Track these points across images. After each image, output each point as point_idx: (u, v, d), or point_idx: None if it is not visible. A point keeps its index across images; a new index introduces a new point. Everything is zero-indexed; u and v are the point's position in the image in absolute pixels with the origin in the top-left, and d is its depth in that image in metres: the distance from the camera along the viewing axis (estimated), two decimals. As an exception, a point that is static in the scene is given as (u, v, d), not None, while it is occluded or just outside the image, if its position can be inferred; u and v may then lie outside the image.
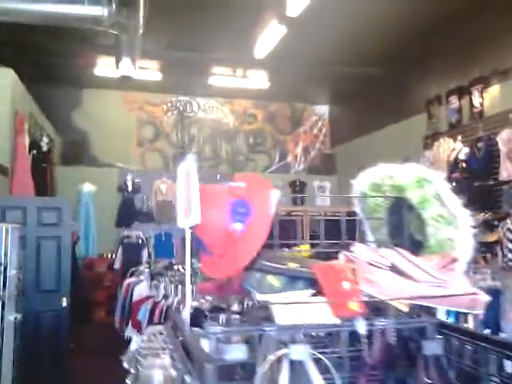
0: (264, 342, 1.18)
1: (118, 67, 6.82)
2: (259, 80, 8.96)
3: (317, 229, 7.36)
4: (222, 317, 2.16)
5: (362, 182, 1.61)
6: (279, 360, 1.21)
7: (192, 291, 3.26)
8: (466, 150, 5.75)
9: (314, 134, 10.72)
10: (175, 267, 4.88)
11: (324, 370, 1.23)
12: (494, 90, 5.87)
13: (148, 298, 4.31)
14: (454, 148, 5.97)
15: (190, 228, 1.44)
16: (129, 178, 8.86)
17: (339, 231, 1.76)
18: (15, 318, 3.42)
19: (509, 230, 4.50)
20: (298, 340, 1.22)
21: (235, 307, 2.19)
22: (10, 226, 3.47)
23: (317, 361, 1.23)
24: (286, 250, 1.78)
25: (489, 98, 5.94)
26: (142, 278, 5.13)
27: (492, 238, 4.50)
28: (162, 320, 3.60)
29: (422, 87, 7.22)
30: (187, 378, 1.12)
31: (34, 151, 6.54)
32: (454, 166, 5.78)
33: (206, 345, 1.30)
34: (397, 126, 7.73)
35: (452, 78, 6.53)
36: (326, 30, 6.64)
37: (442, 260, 1.26)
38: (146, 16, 4.88)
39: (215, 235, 1.36)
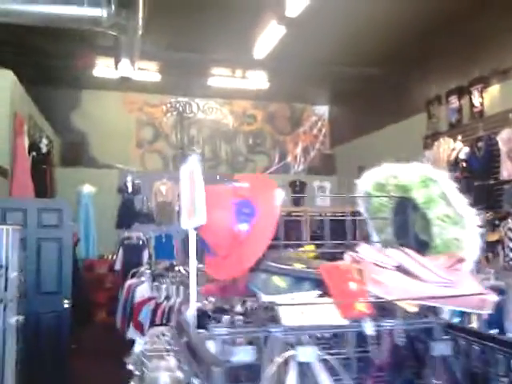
0: (270, 344, 1.17)
1: (117, 68, 6.81)
2: (258, 80, 8.96)
3: (317, 229, 7.36)
4: (226, 318, 2.15)
5: (366, 182, 1.60)
6: (285, 362, 1.20)
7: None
8: (467, 149, 5.76)
9: (313, 135, 10.71)
10: (176, 268, 4.88)
11: (330, 372, 1.23)
12: (494, 89, 5.88)
13: (150, 299, 4.30)
14: (454, 148, 5.97)
15: (195, 229, 1.43)
16: (129, 179, 8.85)
17: (341, 231, 1.76)
18: (17, 320, 3.41)
19: (510, 229, 4.50)
20: (304, 341, 1.21)
21: (238, 308, 2.19)
22: (11, 227, 3.46)
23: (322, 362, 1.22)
24: (291, 250, 1.77)
25: (489, 97, 5.94)
26: (143, 279, 5.13)
27: (493, 237, 4.50)
28: (164, 321, 3.59)
29: (422, 87, 7.22)
30: (194, 381, 1.11)
31: (34, 153, 6.53)
32: (454, 165, 5.78)
33: (211, 346, 1.29)
34: (396, 126, 7.73)
35: (452, 77, 6.53)
36: (326, 31, 6.64)
37: (448, 260, 1.25)
38: (145, 17, 4.88)
39: (220, 236, 1.36)
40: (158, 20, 5.82)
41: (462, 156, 5.75)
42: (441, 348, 1.12)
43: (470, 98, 6.12)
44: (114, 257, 8.14)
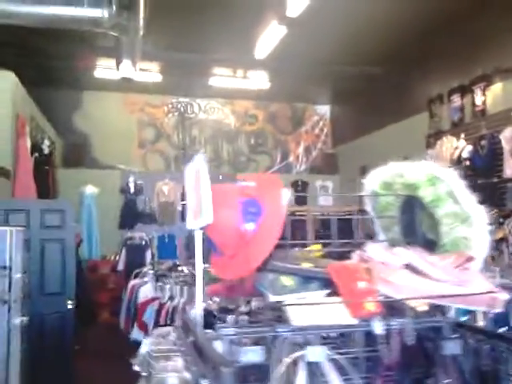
0: (279, 344, 1.17)
1: (118, 69, 6.80)
2: (260, 80, 8.95)
3: (320, 228, 7.35)
4: (230, 318, 2.15)
5: (372, 181, 1.59)
6: (293, 362, 1.20)
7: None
8: (470, 148, 5.75)
9: (315, 134, 10.70)
10: (179, 268, 4.88)
11: (338, 372, 1.22)
12: (497, 88, 5.86)
13: (153, 299, 4.29)
14: (457, 146, 5.96)
15: (201, 229, 1.42)
16: (131, 179, 8.86)
17: (345, 230, 1.75)
18: (21, 321, 3.41)
19: (514, 227, 4.49)
20: (311, 341, 1.21)
21: (243, 308, 2.18)
22: (15, 229, 3.46)
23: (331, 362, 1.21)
24: (296, 249, 1.76)
25: (491, 96, 5.93)
26: (146, 279, 5.12)
27: (497, 235, 4.49)
28: (169, 321, 3.59)
29: (424, 86, 7.21)
30: (202, 382, 1.11)
31: (36, 154, 6.54)
32: (457, 164, 5.76)
33: (218, 346, 1.29)
34: (398, 125, 7.72)
35: (454, 76, 6.52)
36: (327, 30, 6.63)
37: (457, 259, 1.25)
38: (146, 18, 4.87)
39: (226, 235, 1.35)
40: (159, 20, 5.81)
41: (465, 154, 5.74)
42: (451, 347, 1.12)
43: (473, 97, 6.11)
44: (117, 257, 8.14)
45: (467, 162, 5.68)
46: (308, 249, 1.66)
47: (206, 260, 1.56)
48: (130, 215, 8.66)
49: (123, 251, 7.95)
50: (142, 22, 4.89)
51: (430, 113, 6.96)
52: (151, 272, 5.17)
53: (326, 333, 1.32)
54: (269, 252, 1.30)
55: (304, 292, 1.24)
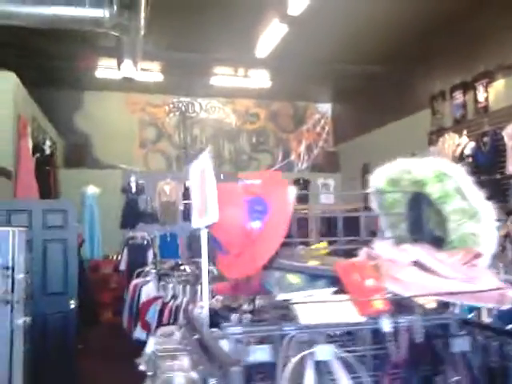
0: (286, 342, 1.16)
1: (119, 69, 6.79)
2: (261, 79, 8.94)
3: (322, 226, 7.33)
4: (234, 316, 2.14)
5: (378, 178, 1.58)
6: (300, 360, 1.19)
7: (201, 292, 3.24)
8: (472, 144, 5.73)
9: (316, 132, 10.69)
10: (182, 267, 4.88)
11: (346, 370, 1.21)
12: (499, 84, 5.84)
13: (156, 298, 4.29)
14: (459, 143, 5.94)
15: (206, 227, 1.42)
16: (132, 179, 8.86)
17: (348, 228, 1.74)
18: (24, 322, 3.41)
19: (517, 224, 4.47)
20: (318, 339, 1.20)
21: (246, 306, 2.17)
22: (17, 229, 3.45)
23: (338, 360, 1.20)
24: (301, 247, 1.75)
25: (494, 92, 5.91)
26: (148, 278, 5.12)
27: (501, 232, 4.48)
28: (172, 321, 3.58)
29: (426, 83, 7.19)
30: (211, 381, 1.10)
31: (38, 154, 6.53)
32: (459, 160, 5.74)
33: (224, 345, 1.28)
34: (400, 122, 7.70)
35: (456, 73, 6.50)
36: (328, 29, 6.62)
37: (465, 255, 1.24)
38: (147, 17, 4.86)
39: (232, 234, 1.34)
40: (160, 20, 5.80)
41: (467, 151, 5.72)
42: (459, 344, 1.11)
43: (475, 94, 6.08)
44: (119, 257, 8.15)
45: (470, 159, 5.66)
46: (314, 247, 1.65)
47: (210, 259, 1.56)
48: (132, 215, 8.66)
49: (125, 251, 7.96)
50: (143, 21, 4.88)
51: (432, 110, 6.93)
52: (153, 271, 5.17)
53: (333, 331, 1.32)
54: (275, 250, 1.29)
55: (311, 290, 1.23)
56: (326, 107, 10.72)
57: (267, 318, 1.49)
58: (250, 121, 10.36)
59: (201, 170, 1.42)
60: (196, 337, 1.43)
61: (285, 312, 1.34)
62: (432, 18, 6.04)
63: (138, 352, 1.97)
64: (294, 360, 1.10)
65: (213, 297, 3.18)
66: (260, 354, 1.13)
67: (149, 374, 1.56)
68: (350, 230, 1.66)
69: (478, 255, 1.25)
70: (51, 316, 4.36)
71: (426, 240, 1.37)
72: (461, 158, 5.75)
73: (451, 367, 1.12)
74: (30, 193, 5.72)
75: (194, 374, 1.27)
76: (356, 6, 6.02)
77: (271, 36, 6.68)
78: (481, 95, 5.99)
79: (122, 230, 8.57)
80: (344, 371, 1.11)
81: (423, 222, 1.43)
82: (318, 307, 1.17)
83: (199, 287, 3.52)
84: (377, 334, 1.26)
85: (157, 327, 3.29)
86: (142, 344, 1.99)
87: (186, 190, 8.58)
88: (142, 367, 1.63)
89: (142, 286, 4.94)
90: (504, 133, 5.33)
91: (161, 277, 4.74)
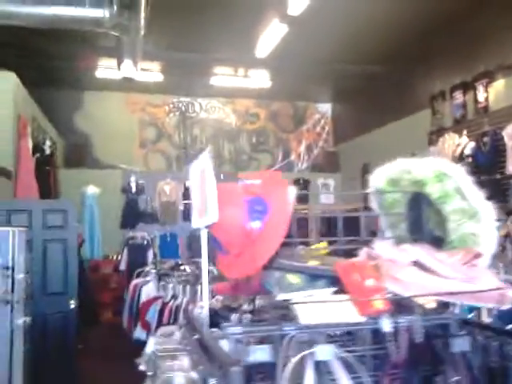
0: (286, 343, 1.16)
1: (119, 69, 6.79)
2: (261, 79, 8.94)
3: (321, 226, 7.34)
4: (234, 316, 2.14)
5: (378, 178, 1.58)
6: (301, 360, 1.19)
7: (201, 292, 3.24)
8: (472, 144, 5.73)
9: (316, 132, 10.69)
10: (182, 267, 4.88)
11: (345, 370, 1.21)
12: (499, 84, 5.84)
13: (156, 298, 4.29)
14: (459, 143, 5.94)
15: (206, 227, 1.42)
16: (132, 179, 8.86)
17: (348, 228, 1.73)
18: (24, 322, 3.41)
19: (517, 224, 4.47)
20: (318, 339, 1.20)
21: (245, 306, 2.17)
22: (17, 229, 3.45)
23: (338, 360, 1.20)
24: (301, 247, 1.75)
25: (494, 92, 5.91)
26: (148, 278, 5.12)
27: (501, 232, 4.48)
28: (172, 321, 3.58)
29: (426, 83, 7.19)
30: (211, 381, 1.10)
31: (38, 154, 6.53)
32: (459, 161, 5.74)
33: (224, 345, 1.28)
34: (400, 122, 7.70)
35: (456, 73, 6.50)
36: (328, 29, 6.62)
37: (465, 256, 1.24)
38: (147, 17, 4.86)
39: (232, 234, 1.34)
40: (160, 20, 5.80)
41: (467, 151, 5.72)
42: (459, 344, 1.11)
43: (475, 94, 6.08)
44: (119, 257, 8.15)
45: (470, 159, 5.66)
46: (314, 247, 1.65)
47: (209, 259, 1.56)
48: (132, 215, 8.66)
49: (125, 251, 7.96)
50: (142, 21, 4.88)
51: (432, 110, 6.93)
52: (153, 271, 5.17)
53: (333, 331, 1.32)
54: (275, 250, 1.29)
55: (311, 290, 1.23)
56: (326, 107, 10.72)
57: (267, 318, 1.49)
58: (250, 121, 10.36)
59: (201, 170, 1.42)
60: (196, 337, 1.43)
61: (285, 312, 1.34)
62: (432, 17, 6.05)
63: (137, 352, 1.97)
64: (294, 360, 1.10)
65: (213, 297, 3.18)
66: (260, 354, 1.13)
67: (149, 374, 1.56)
68: (349, 230, 1.66)
69: (477, 255, 1.25)
70: (51, 316, 4.36)
71: (425, 240, 1.37)
72: (461, 158, 5.75)
73: (451, 367, 1.12)
74: (30, 193, 5.72)
75: (194, 374, 1.27)
76: (356, 6, 6.02)
77: (271, 36, 6.68)
78: (481, 95, 5.99)
79: (121, 230, 8.57)
80: (344, 371, 1.11)
81: (423, 222, 1.43)
82: (318, 307, 1.17)
83: (199, 287, 3.52)
84: (377, 334, 1.26)
85: (157, 327, 3.29)
86: (142, 344, 1.99)
87: (186, 190, 8.58)
88: (142, 367, 1.63)
89: (141, 286, 4.94)
90: (504, 133, 5.33)
91: (161, 277, 4.74)
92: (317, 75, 8.57)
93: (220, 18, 6.37)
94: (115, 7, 4.63)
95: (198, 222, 1.47)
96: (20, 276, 3.35)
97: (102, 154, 9.34)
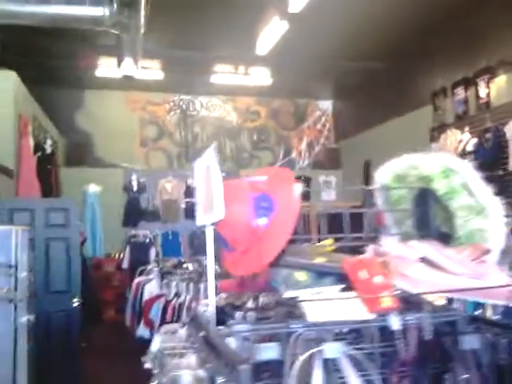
0: (294, 340, 1.15)
1: (119, 67, 6.78)
2: (262, 77, 8.92)
3: (325, 223, 7.34)
4: (238, 314, 2.13)
5: (384, 174, 1.57)
6: (309, 358, 1.18)
7: (205, 289, 3.23)
8: (474, 140, 5.71)
9: (318, 129, 10.67)
10: (184, 265, 4.88)
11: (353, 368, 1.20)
12: (501, 80, 5.82)
13: (159, 296, 4.29)
14: (461, 139, 5.93)
15: (212, 224, 1.41)
16: (133, 177, 8.85)
17: (353, 224, 1.73)
18: (28, 320, 3.41)
19: (520, 220, 4.47)
20: (326, 337, 1.19)
21: (250, 304, 2.17)
22: (20, 228, 3.45)
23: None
24: (306, 244, 1.75)
25: (495, 88, 5.89)
26: (151, 276, 5.13)
27: (509, 227, 4.47)
28: (175, 318, 3.58)
29: (427, 79, 7.17)
30: (219, 379, 1.09)
31: (39, 153, 6.53)
32: (461, 157, 5.73)
33: (231, 343, 1.28)
34: (402, 119, 7.68)
35: (457, 69, 6.48)
36: (328, 26, 6.60)
37: (473, 252, 1.23)
38: (147, 15, 4.85)
39: (238, 231, 1.33)
40: (160, 18, 5.78)
41: (469, 147, 5.71)
42: (469, 341, 1.10)
43: (477, 89, 6.06)
44: (121, 255, 8.15)
45: (472, 155, 5.65)
46: (320, 243, 1.64)
47: (219, 257, 1.55)
48: (134, 213, 8.66)
49: (127, 249, 7.96)
50: (143, 19, 4.87)
51: (434, 106, 6.92)
52: (156, 269, 5.17)
53: (340, 328, 1.31)
54: (281, 247, 1.29)
55: (318, 287, 1.22)
56: (326, 104, 10.70)
57: (272, 316, 1.49)
58: (251, 118, 10.34)
59: (206, 167, 1.41)
60: (202, 334, 1.42)
61: (290, 309, 1.33)
62: (433, 13, 6.02)
63: (141, 350, 1.97)
64: (302, 358, 1.09)
65: (217, 294, 3.16)
66: (268, 351, 1.12)
67: (155, 372, 1.55)
68: (355, 227, 1.65)
69: (486, 251, 1.24)
70: (55, 314, 4.37)
71: (432, 236, 1.36)
72: (463, 155, 5.73)
73: (461, 365, 1.12)
74: (31, 192, 5.72)
75: (201, 372, 1.26)
76: (356, 3, 6.00)
77: (272, 33, 6.66)
78: (482, 91, 5.97)
79: (123, 228, 8.57)
80: (353, 369, 1.10)
81: (430, 218, 1.42)
82: (325, 305, 1.16)
83: (202, 285, 3.51)
84: (384, 332, 1.26)
85: (160, 325, 3.29)
86: (145, 342, 1.99)
87: (188, 187, 8.57)
88: (147, 365, 1.63)
89: (144, 284, 4.95)
90: (506, 129, 5.32)
91: (163, 275, 4.74)
92: (317, 72, 8.55)
93: (220, 15, 6.35)
94: (115, 5, 4.62)
95: (204, 219, 1.46)
96: (23, 274, 3.35)
97: (103, 152, 9.33)
